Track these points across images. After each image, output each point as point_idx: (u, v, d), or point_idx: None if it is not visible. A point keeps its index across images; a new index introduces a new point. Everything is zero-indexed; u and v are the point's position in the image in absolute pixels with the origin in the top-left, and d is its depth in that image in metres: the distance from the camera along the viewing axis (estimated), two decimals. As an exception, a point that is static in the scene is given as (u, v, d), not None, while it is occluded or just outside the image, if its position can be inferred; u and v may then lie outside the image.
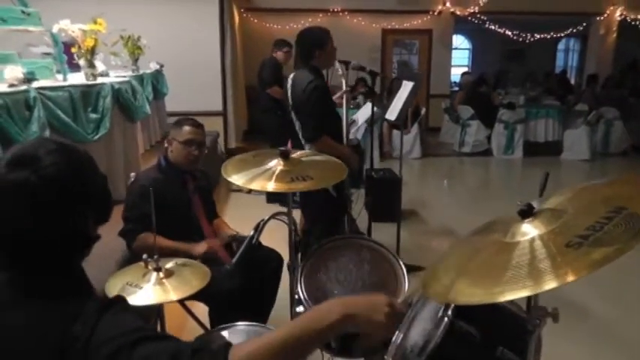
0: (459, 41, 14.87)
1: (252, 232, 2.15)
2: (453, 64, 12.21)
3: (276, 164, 2.13)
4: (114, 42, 4.43)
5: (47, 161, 1.01)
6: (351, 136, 6.25)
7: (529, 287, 1.07)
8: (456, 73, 12.69)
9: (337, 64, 3.76)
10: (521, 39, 11.57)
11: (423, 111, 9.05)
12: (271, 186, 2.04)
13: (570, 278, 1.02)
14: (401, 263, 2.02)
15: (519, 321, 1.54)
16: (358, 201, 4.67)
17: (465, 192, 7.45)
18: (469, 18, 10.96)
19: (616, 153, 9.02)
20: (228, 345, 0.99)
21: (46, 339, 0.97)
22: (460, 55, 15.09)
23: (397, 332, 1.75)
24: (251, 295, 2.84)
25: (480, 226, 1.56)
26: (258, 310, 2.83)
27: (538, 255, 1.17)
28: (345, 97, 3.72)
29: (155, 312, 2.47)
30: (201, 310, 2.70)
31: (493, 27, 11.17)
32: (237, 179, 2.10)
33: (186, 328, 3.00)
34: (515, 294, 1.09)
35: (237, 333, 2.09)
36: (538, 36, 11.55)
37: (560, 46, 15.00)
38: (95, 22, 3.84)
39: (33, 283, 1.03)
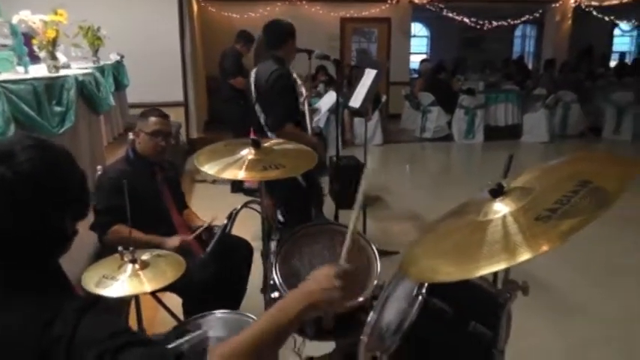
0: (417, 29, 15.03)
1: (225, 222, 2.18)
2: (412, 51, 12.35)
3: (247, 153, 2.15)
4: (75, 33, 4.32)
5: (22, 157, 1.01)
6: (313, 124, 6.32)
7: (504, 260, 1.14)
8: (415, 61, 12.83)
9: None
10: (478, 26, 11.78)
11: (384, 98, 9.13)
12: (243, 175, 2.07)
13: (543, 249, 1.10)
14: (373, 247, 2.09)
15: (491, 296, 1.62)
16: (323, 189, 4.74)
17: (427, 177, 7.60)
18: (427, 6, 11.10)
19: (574, 135, 9.30)
20: (205, 350, 1.02)
21: (25, 337, 0.97)
22: (419, 43, 15.24)
23: (372, 313, 1.81)
24: (223, 285, 2.86)
25: (453, 208, 1.63)
26: (231, 299, 2.85)
27: (510, 230, 1.24)
28: (306, 98, 3.75)
29: (127, 304, 2.48)
30: (174, 301, 2.70)
31: (450, 14, 11.33)
32: (209, 169, 2.12)
33: (156, 320, 3.00)
34: (492, 268, 1.16)
35: (212, 322, 2.11)
36: (495, 23, 11.77)
37: (517, 32, 15.32)
38: (56, 13, 3.75)
39: (10, 280, 1.03)
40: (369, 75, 4.41)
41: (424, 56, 13.70)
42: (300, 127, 3.56)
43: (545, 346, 3.11)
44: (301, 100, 3.86)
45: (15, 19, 3.57)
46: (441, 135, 9.10)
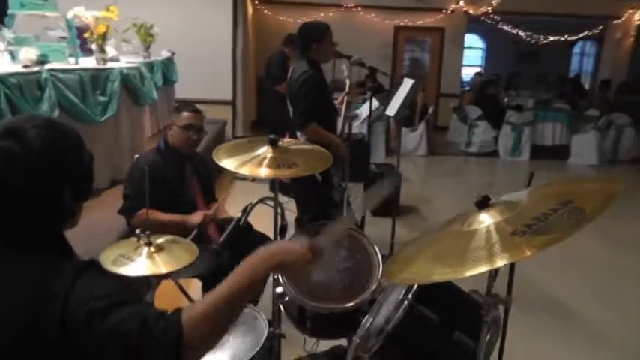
0: (473, 41, 14.82)
1: (239, 215, 2.27)
2: (466, 63, 12.20)
3: (265, 151, 2.23)
4: (125, 29, 4.56)
5: (31, 133, 1.11)
6: (356, 130, 6.36)
7: (484, 264, 1.21)
8: (469, 73, 12.70)
9: (343, 63, 3.87)
10: (533, 41, 11.52)
11: (431, 109, 9.10)
12: (259, 172, 2.14)
13: (515, 259, 1.22)
14: (377, 250, 2.13)
15: (478, 308, 1.64)
16: (359, 194, 4.78)
17: (467, 191, 7.42)
18: (482, 17, 10.96)
19: (625, 160, 8.88)
20: (180, 308, 1.11)
21: (24, 292, 1.07)
22: (473, 55, 15.04)
23: (367, 316, 1.86)
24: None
25: (442, 222, 1.66)
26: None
27: (492, 239, 1.29)
28: (345, 100, 3.81)
29: (147, 284, 2.60)
30: (195, 286, 2.81)
31: (506, 27, 11.15)
32: (227, 164, 2.20)
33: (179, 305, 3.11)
34: (472, 271, 1.21)
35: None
36: (551, 38, 11.48)
37: (576, 49, 14.84)
38: (108, 10, 3.98)
39: (13, 240, 1.14)
40: (407, 84, 4.43)
41: (478, 69, 13.51)
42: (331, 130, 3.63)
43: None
44: (337, 102, 3.92)
45: (70, 14, 3.81)
46: (487, 150, 8.94)
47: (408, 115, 8.80)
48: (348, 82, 3.81)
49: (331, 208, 3.70)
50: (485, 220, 1.38)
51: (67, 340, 1.04)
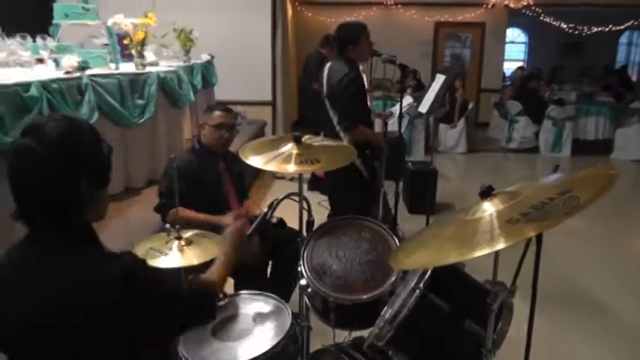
0: (515, 35, 14.54)
1: (265, 209, 2.35)
2: (508, 58, 11.97)
3: (290, 148, 2.31)
4: (163, 34, 4.74)
5: (49, 129, 1.22)
6: (392, 128, 6.37)
7: (484, 247, 1.25)
8: (512, 68, 12.47)
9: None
10: (577, 32, 11.20)
11: (471, 105, 9.00)
12: (287, 168, 2.21)
13: (508, 244, 1.23)
14: (398, 243, 2.18)
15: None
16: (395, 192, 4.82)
17: (505, 188, 7.37)
18: (523, 10, 10.75)
19: (671, 154, 8.53)
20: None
21: (76, 279, 1.20)
22: (516, 49, 14.75)
23: (386, 307, 1.91)
24: (275, 273, 3.06)
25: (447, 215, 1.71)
26: (281, 287, 3.02)
27: (494, 225, 1.34)
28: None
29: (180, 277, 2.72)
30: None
31: (548, 20, 10.89)
32: (253, 161, 2.30)
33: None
34: (469, 256, 1.26)
35: (241, 300, 2.28)
36: (595, 29, 11.14)
37: (623, 39, 14.32)
38: (146, 16, 4.15)
39: (47, 238, 1.26)
40: (439, 80, 4.44)
41: (520, 63, 13.24)
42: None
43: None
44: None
45: (110, 22, 4.00)
46: (527, 146, 8.77)
47: (448, 112, 8.75)
48: (365, 76, 3.85)
49: (370, 202, 3.76)
50: (488, 208, 1.42)
51: (125, 322, 1.18)
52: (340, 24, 3.72)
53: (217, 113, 3.04)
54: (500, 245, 1.23)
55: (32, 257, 1.26)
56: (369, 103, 3.75)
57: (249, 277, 2.75)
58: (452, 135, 8.77)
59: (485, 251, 1.22)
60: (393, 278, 2.08)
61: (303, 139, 2.31)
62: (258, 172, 6.47)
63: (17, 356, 1.27)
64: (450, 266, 1.74)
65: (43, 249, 1.26)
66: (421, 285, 1.66)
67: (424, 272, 1.70)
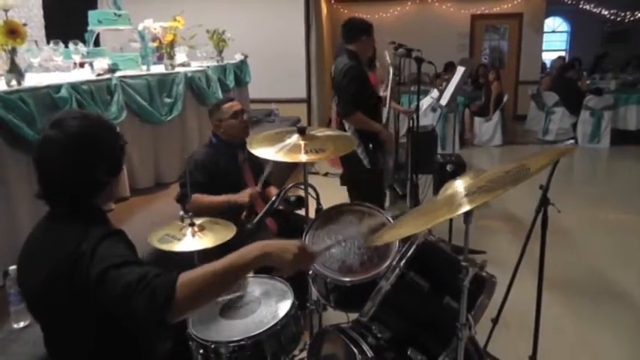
0: (557, 24, 14.18)
1: (273, 198, 2.49)
2: (550, 48, 11.70)
3: (295, 139, 2.44)
4: (191, 36, 4.95)
5: (70, 122, 1.43)
6: (426, 122, 6.41)
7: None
8: (552, 58, 12.19)
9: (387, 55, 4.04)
10: (619, 18, 10.83)
11: (506, 98, 8.89)
12: (295, 157, 2.33)
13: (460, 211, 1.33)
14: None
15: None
16: (427, 185, 4.91)
17: (537, 180, 7.16)
18: (562, -1, 10.53)
19: None
20: (180, 271, 1.30)
21: (64, 250, 1.37)
22: (558, 39, 14.40)
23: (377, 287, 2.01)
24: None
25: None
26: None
27: (455, 199, 1.45)
28: (389, 89, 3.97)
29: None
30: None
31: (588, 7, 10.61)
32: (262, 152, 2.43)
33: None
34: (428, 225, 1.41)
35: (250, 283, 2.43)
36: (639, 14, 10.77)
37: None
38: (174, 20, 4.37)
39: (57, 213, 1.48)
40: (459, 72, 4.48)
41: (562, 53, 12.92)
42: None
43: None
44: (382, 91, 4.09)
45: (140, 27, 4.24)
46: (565, 138, 8.57)
47: (483, 105, 8.69)
48: (391, 70, 3.95)
49: (380, 193, 3.87)
50: (458, 186, 1.52)
51: (91, 290, 1.31)
52: (345, 20, 3.87)
53: (226, 105, 3.19)
54: (450, 215, 1.36)
55: (44, 229, 1.49)
56: (381, 96, 3.86)
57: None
58: (487, 128, 8.70)
59: (439, 220, 1.34)
60: (389, 261, 2.18)
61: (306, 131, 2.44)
62: (293, 168, 6.58)
63: (35, 316, 1.54)
64: (431, 244, 1.84)
65: (53, 224, 1.48)
66: (401, 264, 1.77)
67: (406, 251, 1.80)
